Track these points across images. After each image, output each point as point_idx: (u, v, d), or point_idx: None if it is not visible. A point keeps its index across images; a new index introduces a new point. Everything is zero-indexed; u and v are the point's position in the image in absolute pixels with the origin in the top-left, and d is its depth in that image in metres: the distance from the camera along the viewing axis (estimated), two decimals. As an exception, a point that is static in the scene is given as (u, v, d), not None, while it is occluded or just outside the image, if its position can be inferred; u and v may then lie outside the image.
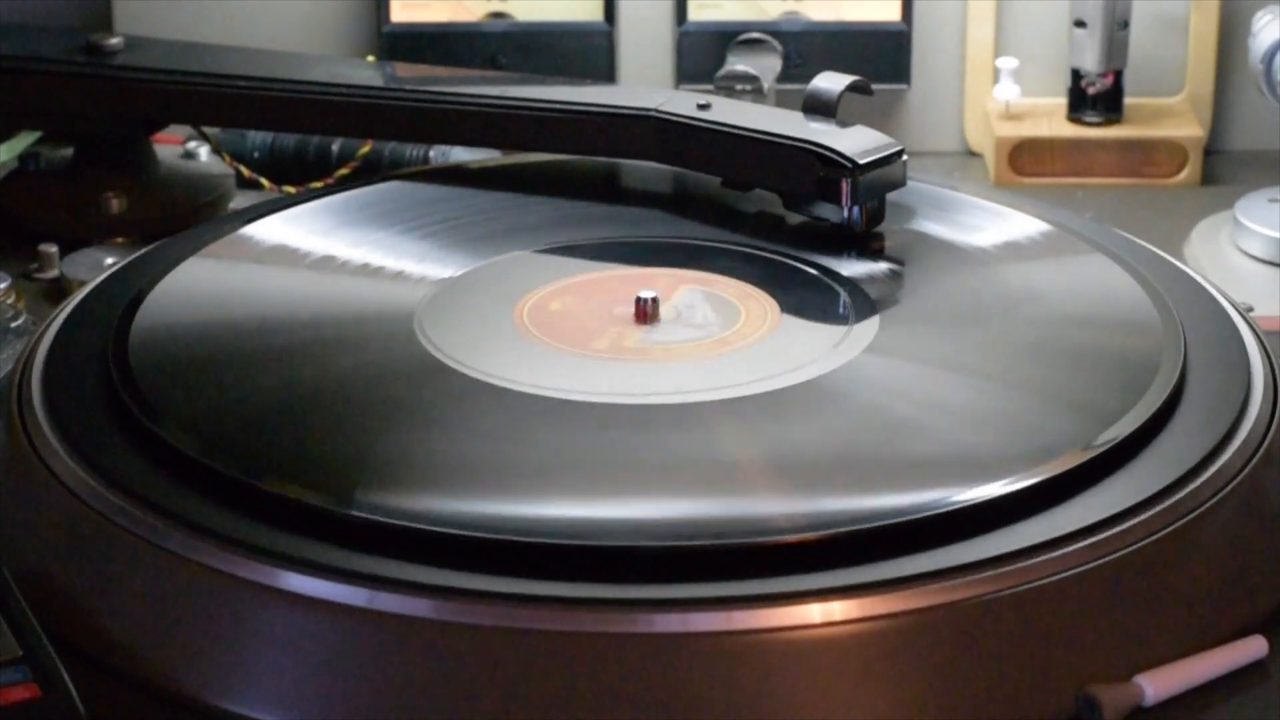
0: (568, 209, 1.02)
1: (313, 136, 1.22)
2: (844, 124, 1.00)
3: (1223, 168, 1.31)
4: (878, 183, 0.97)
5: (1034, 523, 0.75)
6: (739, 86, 1.23)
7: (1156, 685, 0.73)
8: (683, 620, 0.70)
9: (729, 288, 0.93)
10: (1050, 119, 1.31)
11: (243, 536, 0.74)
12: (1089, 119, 1.30)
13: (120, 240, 1.14)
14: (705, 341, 0.88)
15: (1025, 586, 0.73)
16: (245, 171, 1.21)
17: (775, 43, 1.30)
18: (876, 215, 0.98)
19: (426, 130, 1.11)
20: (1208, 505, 0.77)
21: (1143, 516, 0.76)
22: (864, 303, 0.91)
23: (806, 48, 1.31)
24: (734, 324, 0.89)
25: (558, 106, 1.06)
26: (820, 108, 1.01)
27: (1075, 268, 0.94)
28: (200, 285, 0.93)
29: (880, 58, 1.32)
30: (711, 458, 0.79)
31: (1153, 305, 0.89)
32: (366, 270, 0.95)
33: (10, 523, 0.81)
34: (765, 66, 1.26)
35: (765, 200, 1.01)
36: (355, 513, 0.75)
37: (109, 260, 1.09)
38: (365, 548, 0.73)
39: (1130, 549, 0.75)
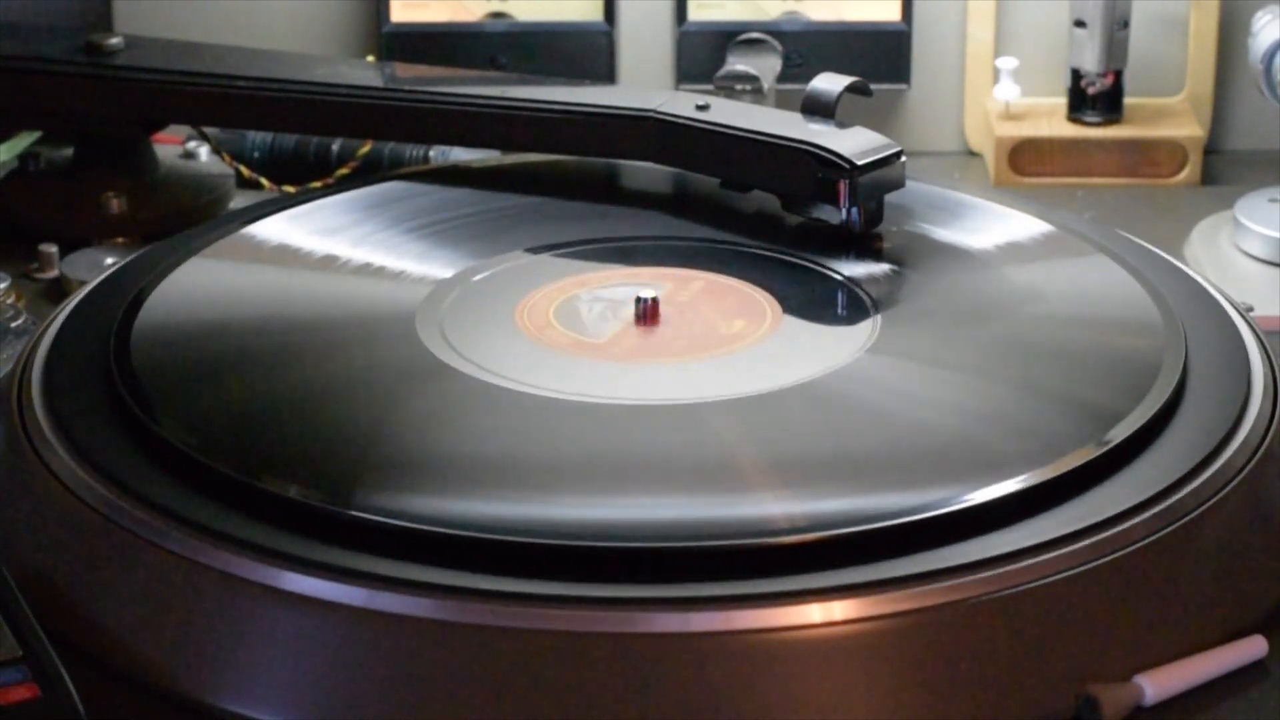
0: (568, 209, 1.02)
1: (313, 136, 1.22)
2: (843, 125, 1.00)
3: (1223, 168, 1.31)
4: (876, 184, 0.97)
5: (1034, 523, 0.75)
6: (739, 86, 1.23)
7: (1156, 685, 0.73)
8: (683, 620, 0.70)
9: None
10: (1050, 119, 1.31)
11: (243, 536, 0.74)
12: (1089, 119, 1.30)
13: (120, 240, 1.14)
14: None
15: (1025, 586, 0.73)
16: (245, 171, 1.21)
17: (775, 43, 1.30)
18: (875, 216, 0.98)
19: (426, 130, 1.11)
20: (1208, 505, 0.77)
21: (1143, 516, 0.76)
22: (864, 303, 0.91)
23: (806, 48, 1.31)
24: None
25: (557, 107, 1.06)
26: (819, 108, 1.01)
27: (1075, 268, 0.94)
28: (200, 285, 0.93)
29: (880, 58, 1.32)
30: (712, 458, 0.79)
31: (1153, 305, 0.89)
32: (366, 270, 0.95)
33: (10, 523, 0.81)
34: (765, 66, 1.26)
35: (765, 200, 1.01)
36: (355, 513, 0.75)
37: (109, 260, 1.09)
38: (365, 548, 0.73)
39: (1130, 549, 0.75)
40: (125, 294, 0.92)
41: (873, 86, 1.04)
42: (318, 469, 0.79)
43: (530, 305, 0.91)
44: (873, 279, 0.93)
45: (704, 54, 1.32)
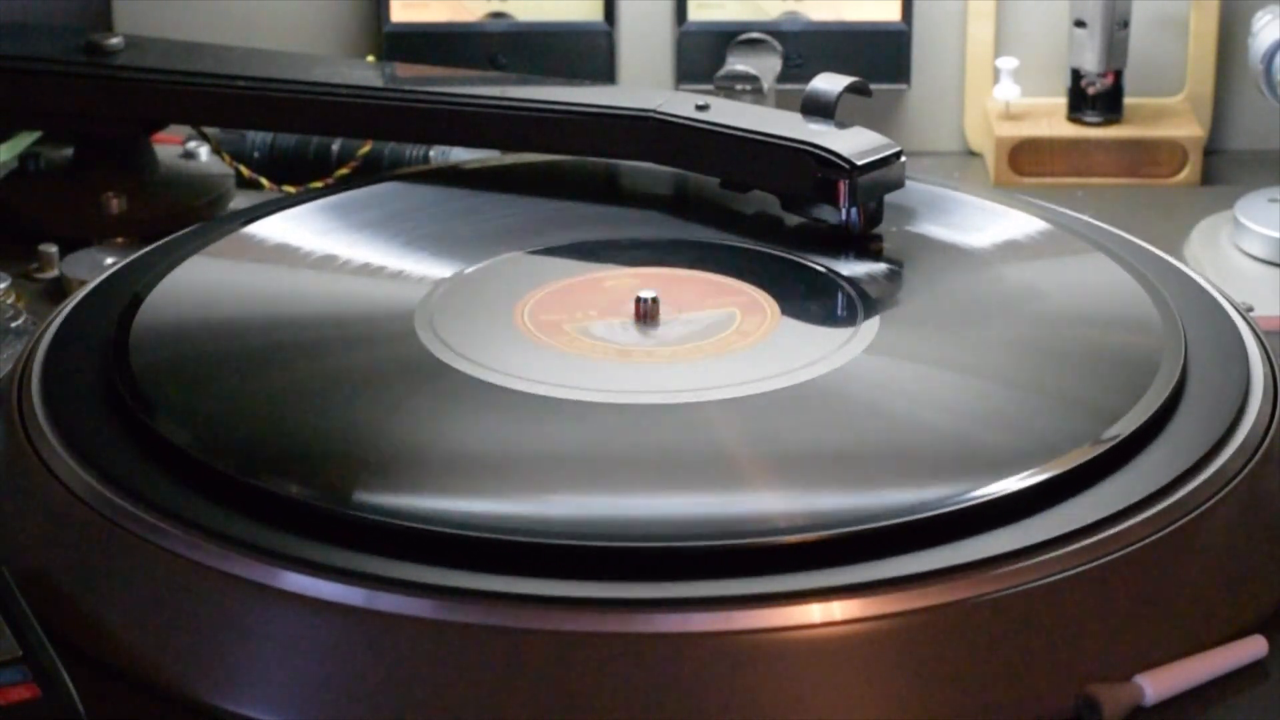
0: (567, 209, 1.02)
1: (313, 136, 1.22)
2: (842, 125, 1.00)
3: (1223, 168, 1.31)
4: (876, 184, 0.97)
5: (1034, 522, 0.75)
6: (739, 86, 1.23)
7: (1156, 685, 0.73)
8: (683, 620, 0.70)
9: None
10: (1050, 119, 1.31)
11: (243, 536, 0.74)
12: (1089, 119, 1.30)
13: (120, 240, 1.14)
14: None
15: (1025, 586, 0.73)
16: (245, 171, 1.21)
17: (775, 43, 1.30)
18: (875, 216, 0.98)
19: (426, 130, 1.11)
20: (1208, 505, 0.77)
21: (1143, 516, 0.76)
22: (864, 303, 0.91)
23: (806, 48, 1.31)
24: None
25: (557, 107, 1.06)
26: (819, 109, 1.01)
27: (1075, 268, 0.94)
28: (200, 285, 0.93)
29: (880, 58, 1.32)
30: (711, 458, 0.79)
31: (1153, 305, 0.89)
32: (366, 270, 0.95)
33: (10, 523, 0.81)
34: (765, 66, 1.26)
35: (764, 200, 1.01)
36: (355, 513, 0.75)
37: (109, 260, 1.09)
38: (365, 548, 0.73)
39: (1130, 548, 0.75)
40: (125, 294, 0.92)
41: (873, 86, 1.04)
42: (317, 469, 0.79)
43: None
44: (873, 279, 0.93)
45: (704, 54, 1.32)
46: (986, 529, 0.74)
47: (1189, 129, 1.30)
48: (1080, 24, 1.28)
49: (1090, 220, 1.02)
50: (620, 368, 0.86)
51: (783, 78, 1.28)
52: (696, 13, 1.33)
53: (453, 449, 0.80)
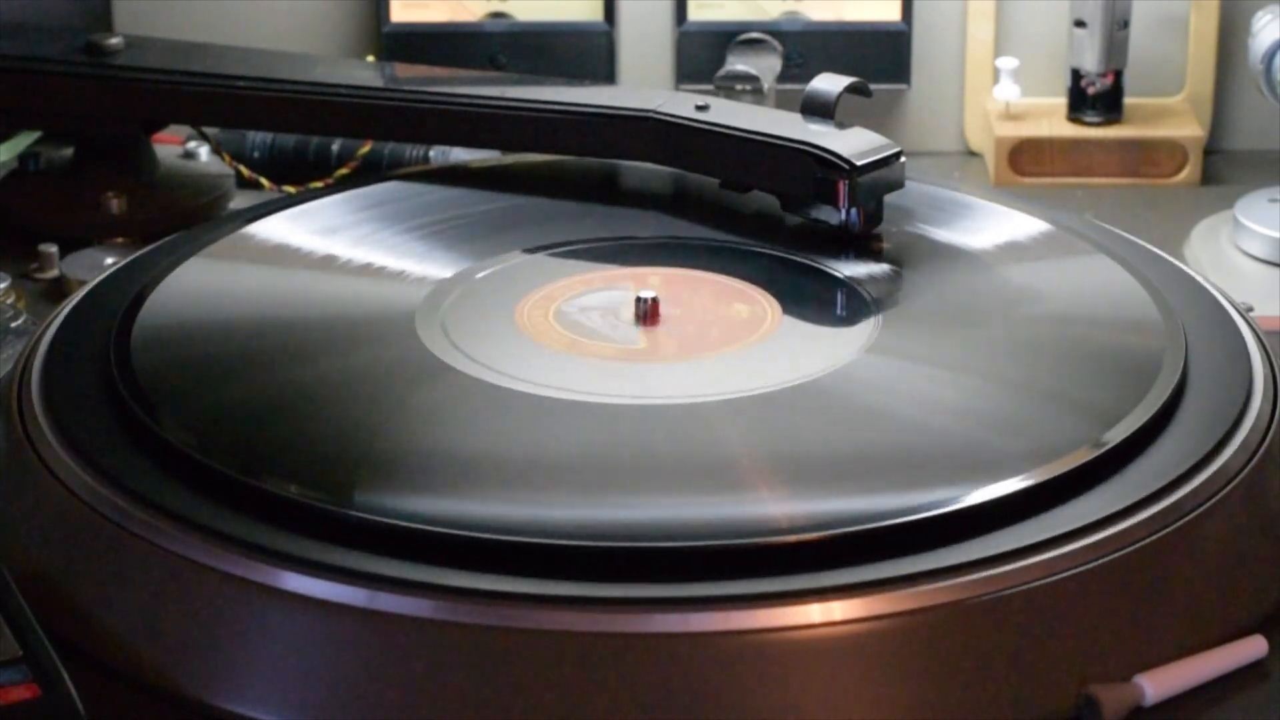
0: (568, 209, 1.02)
1: (313, 136, 1.22)
2: (842, 125, 1.00)
3: (1223, 168, 1.31)
4: (876, 184, 0.97)
5: (1034, 523, 0.75)
6: (739, 86, 1.23)
7: (1156, 685, 0.73)
8: (683, 620, 0.70)
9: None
10: (1050, 119, 1.31)
11: (243, 536, 0.74)
12: (1089, 119, 1.30)
13: (120, 240, 1.14)
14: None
15: (1025, 586, 0.73)
16: (245, 171, 1.21)
17: (775, 43, 1.30)
18: (875, 217, 0.98)
19: (426, 130, 1.11)
20: (1208, 505, 0.77)
21: (1143, 516, 0.76)
22: (864, 303, 0.91)
23: (806, 48, 1.31)
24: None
25: (557, 107, 1.06)
26: (818, 109, 1.01)
27: (1075, 268, 0.94)
28: (200, 285, 0.93)
29: (880, 58, 1.32)
30: (711, 458, 0.79)
31: (1153, 305, 0.89)
32: (366, 270, 0.95)
33: (10, 523, 0.81)
34: (765, 66, 1.26)
35: (765, 200, 1.01)
36: (355, 513, 0.75)
37: (109, 260, 1.09)
38: (365, 548, 0.73)
39: (1130, 549, 0.75)
40: (125, 294, 0.92)
41: (873, 86, 1.04)
42: (318, 469, 0.79)
43: (530, 305, 0.91)
44: (873, 279, 0.93)
45: (704, 54, 1.32)
46: (987, 529, 0.74)
47: (1189, 129, 1.30)
48: (1080, 24, 1.28)
49: (1091, 220, 1.02)
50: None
51: (783, 78, 1.28)
52: (696, 13, 1.33)
53: (453, 449, 0.80)
